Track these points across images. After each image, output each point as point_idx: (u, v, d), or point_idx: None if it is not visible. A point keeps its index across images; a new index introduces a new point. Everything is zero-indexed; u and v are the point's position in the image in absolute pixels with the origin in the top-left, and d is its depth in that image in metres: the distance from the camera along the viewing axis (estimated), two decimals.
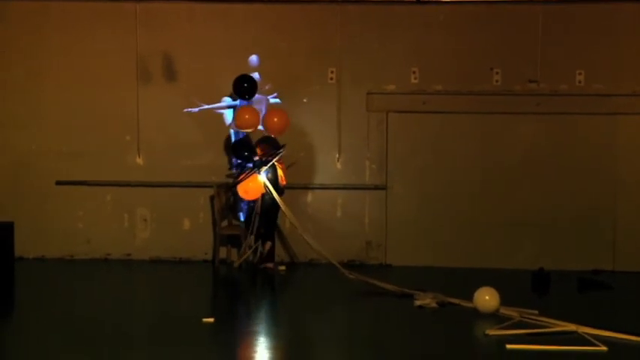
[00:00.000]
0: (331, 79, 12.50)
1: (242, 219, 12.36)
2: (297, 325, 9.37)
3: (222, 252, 12.39)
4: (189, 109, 12.45)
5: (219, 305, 10.58)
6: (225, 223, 12.40)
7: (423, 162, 12.50)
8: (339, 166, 12.58)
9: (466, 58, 12.40)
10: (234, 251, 12.42)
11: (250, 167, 11.77)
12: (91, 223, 12.68)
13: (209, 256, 12.51)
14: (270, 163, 11.76)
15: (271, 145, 11.93)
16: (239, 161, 12.05)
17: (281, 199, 11.72)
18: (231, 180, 12.32)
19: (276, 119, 11.99)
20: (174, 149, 12.59)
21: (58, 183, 12.63)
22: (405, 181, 12.54)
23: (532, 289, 11.16)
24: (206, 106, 12.45)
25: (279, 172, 11.95)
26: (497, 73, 12.36)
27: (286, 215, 11.68)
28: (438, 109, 12.41)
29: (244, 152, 11.90)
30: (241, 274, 11.86)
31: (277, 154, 11.79)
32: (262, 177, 11.75)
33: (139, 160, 12.64)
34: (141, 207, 12.67)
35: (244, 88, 12.01)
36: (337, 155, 12.55)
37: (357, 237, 12.55)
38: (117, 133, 12.62)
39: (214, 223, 12.40)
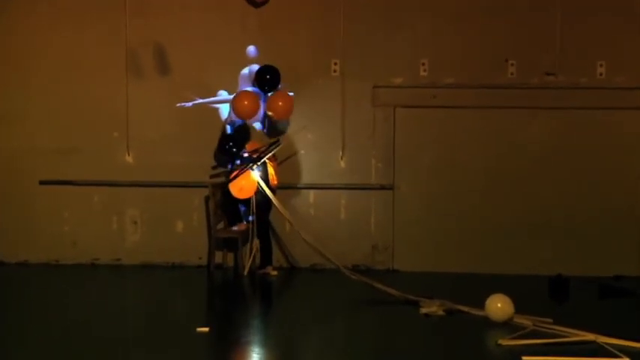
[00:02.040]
0: (335, 71, 12.48)
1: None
2: (296, 334, 9.35)
3: (218, 256, 12.35)
4: (183, 104, 12.41)
5: (214, 314, 10.57)
6: (221, 226, 12.38)
7: (432, 160, 12.46)
8: (342, 164, 12.56)
9: (479, 49, 12.37)
10: (230, 256, 12.41)
11: (243, 164, 11.78)
12: (77, 226, 12.66)
13: (204, 261, 12.47)
14: (264, 159, 11.75)
15: (242, 135, 11.92)
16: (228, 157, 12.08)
17: (275, 197, 11.71)
18: (214, 179, 12.37)
19: (280, 103, 11.98)
20: (167, 146, 12.56)
21: (42, 183, 12.62)
22: (414, 181, 12.50)
23: (549, 296, 11.12)
24: (200, 101, 12.41)
25: (270, 170, 11.95)
26: (512, 65, 12.33)
27: (282, 214, 11.63)
28: (448, 103, 12.37)
29: (231, 147, 11.91)
30: (238, 281, 11.86)
31: (271, 150, 11.78)
32: (255, 174, 11.75)
33: (129, 159, 12.62)
34: (131, 208, 12.65)
35: (267, 80, 11.95)
36: (341, 153, 12.53)
37: (362, 240, 12.53)
38: (105, 129, 12.60)
39: (209, 226, 12.35)
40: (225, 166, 12.14)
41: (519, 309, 9.54)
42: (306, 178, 12.56)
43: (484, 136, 12.39)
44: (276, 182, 11.99)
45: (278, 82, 11.97)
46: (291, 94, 12.18)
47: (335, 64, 12.46)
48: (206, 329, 9.02)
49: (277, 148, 11.86)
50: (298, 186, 12.53)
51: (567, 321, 9.22)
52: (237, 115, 11.93)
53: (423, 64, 12.41)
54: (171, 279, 12.02)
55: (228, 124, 12.33)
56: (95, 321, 9.61)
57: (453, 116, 12.41)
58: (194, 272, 12.32)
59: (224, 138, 12.05)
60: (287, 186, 12.41)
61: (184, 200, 12.60)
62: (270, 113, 11.97)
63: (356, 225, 12.54)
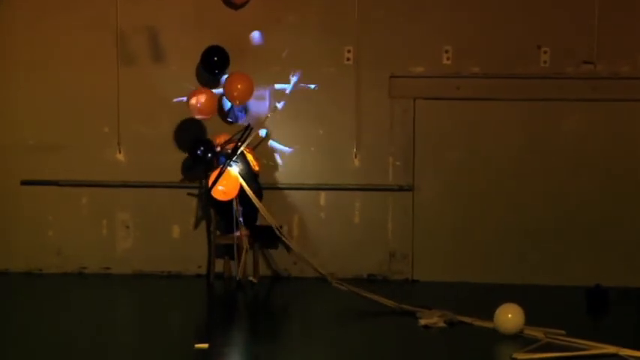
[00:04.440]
0: (348, 59, 12.38)
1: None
2: (298, 350, 9.38)
3: (219, 265, 12.26)
4: (180, 99, 12.34)
5: (214, 328, 10.49)
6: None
7: (456, 158, 12.36)
8: (357, 163, 12.46)
9: (508, 34, 12.24)
10: (232, 264, 12.28)
11: (219, 164, 11.79)
12: (62, 231, 12.59)
13: (203, 270, 12.41)
14: (240, 150, 11.75)
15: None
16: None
17: (255, 192, 11.74)
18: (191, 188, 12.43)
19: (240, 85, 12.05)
20: (162, 143, 12.50)
21: (24, 183, 12.58)
22: (436, 181, 12.41)
23: (587, 309, 11.02)
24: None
25: (249, 157, 11.94)
26: (545, 52, 12.21)
27: (264, 216, 11.66)
28: (474, 95, 12.26)
29: (204, 151, 11.93)
30: (240, 291, 11.84)
31: (245, 138, 11.73)
32: (235, 169, 11.76)
33: (120, 156, 12.57)
34: (122, 211, 12.60)
35: (214, 63, 12.04)
36: (354, 150, 12.43)
37: (378, 247, 12.41)
38: (94, 123, 12.53)
39: (209, 231, 12.29)
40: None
41: (553, 323, 9.55)
42: (315, 177, 12.46)
43: (514, 131, 12.27)
44: (257, 168, 12.02)
45: (227, 64, 12.03)
46: (312, 86, 12.28)
47: (348, 51, 12.36)
48: (205, 346, 8.95)
49: (252, 135, 11.86)
50: (307, 187, 12.45)
51: (606, 335, 9.23)
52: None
53: (447, 51, 12.30)
54: (167, 290, 12.01)
55: (230, 118, 12.33)
56: (82, 336, 9.56)
57: (480, 109, 12.30)
58: (192, 282, 12.29)
59: (192, 145, 12.01)
60: (294, 187, 12.38)
61: (181, 203, 12.53)
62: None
63: (371, 230, 12.44)
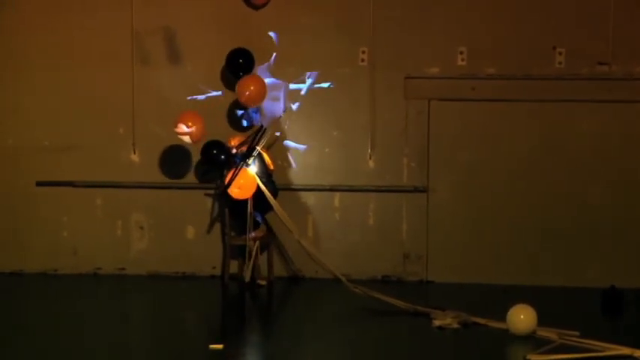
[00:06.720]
0: (362, 60, 12.35)
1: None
2: (312, 351, 9.39)
3: (234, 266, 12.25)
4: (195, 97, 12.32)
5: (229, 329, 10.51)
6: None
7: (471, 159, 12.31)
8: (371, 164, 12.44)
9: (523, 35, 12.19)
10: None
11: (235, 164, 11.76)
12: (77, 232, 12.59)
13: (217, 271, 12.41)
14: (258, 150, 11.75)
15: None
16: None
17: (272, 192, 11.69)
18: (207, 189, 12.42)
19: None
20: (176, 144, 12.38)
21: (39, 184, 12.56)
22: (450, 182, 12.38)
23: (602, 310, 11.00)
24: (214, 93, 12.35)
25: (265, 157, 11.96)
26: (560, 53, 12.16)
27: (280, 217, 11.56)
28: (489, 96, 12.22)
29: (217, 153, 11.89)
30: (255, 292, 11.82)
31: (260, 139, 11.75)
32: (252, 169, 11.76)
33: (135, 157, 12.56)
34: (137, 212, 12.59)
35: (239, 65, 12.00)
36: (369, 151, 12.41)
37: (392, 248, 12.38)
38: (109, 124, 12.51)
39: (224, 232, 12.29)
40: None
41: (567, 324, 9.58)
42: (330, 179, 12.43)
43: (529, 133, 12.22)
44: (272, 167, 12.02)
45: (252, 66, 12.01)
46: (327, 84, 12.24)
47: (363, 52, 12.33)
48: (220, 346, 8.97)
49: (266, 136, 11.84)
50: (321, 188, 12.43)
51: (622, 337, 9.27)
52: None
53: (461, 52, 12.26)
54: (182, 290, 11.99)
55: (245, 119, 12.27)
56: (96, 337, 9.60)
57: (495, 110, 12.24)
58: (207, 283, 12.27)
59: (205, 148, 11.96)
60: (309, 188, 12.38)
61: (196, 204, 12.51)
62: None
63: (386, 231, 12.40)
